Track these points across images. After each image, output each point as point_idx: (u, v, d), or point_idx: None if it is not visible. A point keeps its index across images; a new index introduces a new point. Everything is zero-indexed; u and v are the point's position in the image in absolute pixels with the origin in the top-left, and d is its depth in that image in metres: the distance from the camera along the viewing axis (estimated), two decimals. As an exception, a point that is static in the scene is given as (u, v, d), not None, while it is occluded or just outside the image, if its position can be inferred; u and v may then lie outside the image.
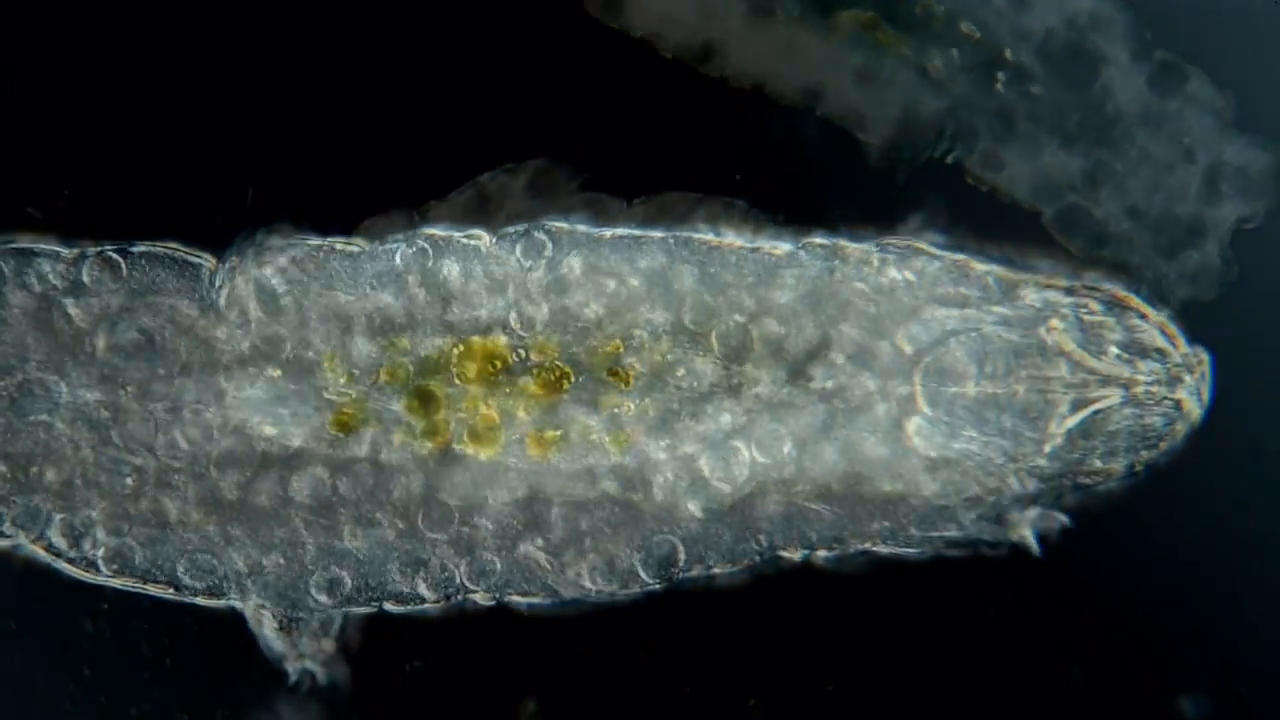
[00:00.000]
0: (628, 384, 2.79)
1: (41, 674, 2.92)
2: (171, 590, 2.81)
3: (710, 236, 2.83)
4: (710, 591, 2.86)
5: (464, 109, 2.91)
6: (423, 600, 2.81)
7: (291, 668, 2.83)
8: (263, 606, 2.80)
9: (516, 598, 2.82)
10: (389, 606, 2.82)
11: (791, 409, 2.80)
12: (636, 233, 2.82)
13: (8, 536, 2.80)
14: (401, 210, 2.83)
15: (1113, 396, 2.78)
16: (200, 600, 2.81)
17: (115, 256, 2.82)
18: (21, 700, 2.91)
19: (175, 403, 2.78)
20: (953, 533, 2.81)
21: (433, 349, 2.78)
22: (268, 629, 2.81)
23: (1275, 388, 2.92)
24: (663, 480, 2.79)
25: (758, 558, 2.82)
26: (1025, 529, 2.82)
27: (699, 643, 2.91)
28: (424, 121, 2.91)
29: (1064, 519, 2.82)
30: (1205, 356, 2.80)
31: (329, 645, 2.83)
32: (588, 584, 2.81)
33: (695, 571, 2.83)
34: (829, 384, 2.79)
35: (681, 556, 2.81)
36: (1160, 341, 2.80)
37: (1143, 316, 2.81)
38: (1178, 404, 2.80)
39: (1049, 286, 2.82)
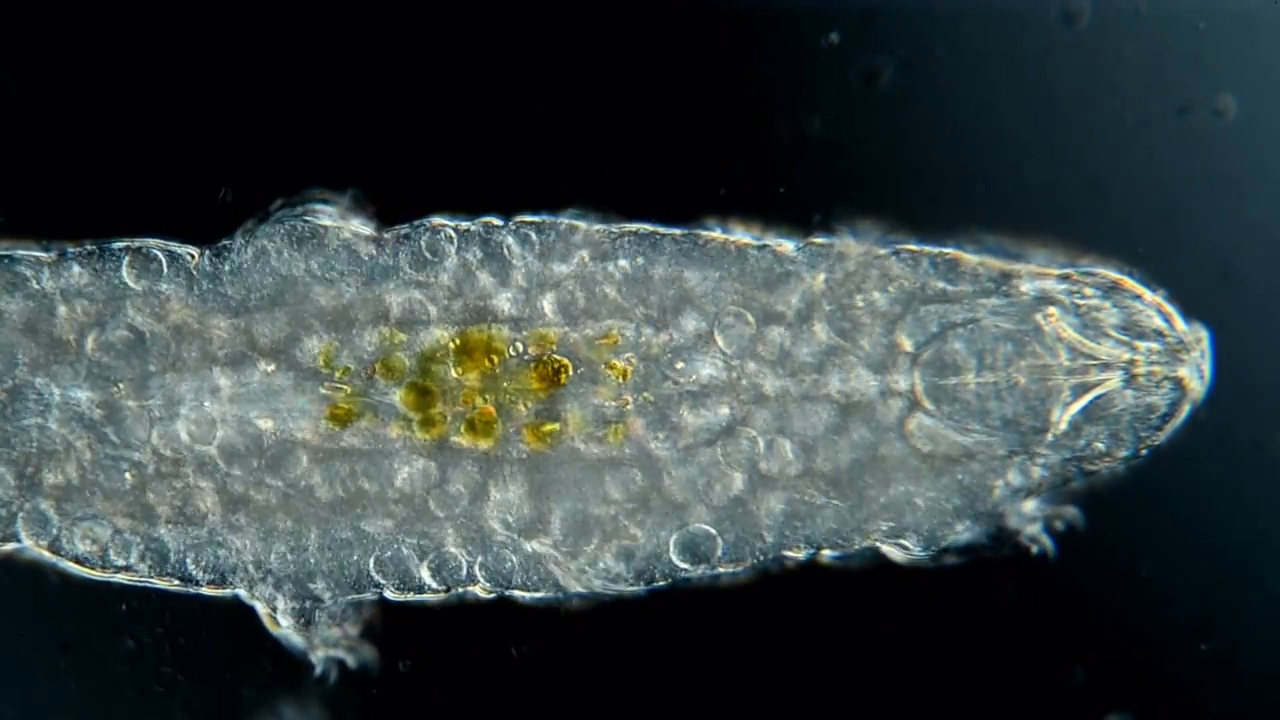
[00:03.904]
0: (625, 378, 2.79)
1: (42, 675, 2.92)
2: (178, 582, 2.81)
3: (718, 234, 2.83)
4: (713, 591, 2.85)
5: (462, 105, 2.91)
6: (427, 590, 2.81)
7: (315, 659, 2.83)
8: (274, 601, 2.80)
9: (519, 592, 2.81)
10: (390, 595, 2.82)
11: (792, 405, 2.79)
12: (642, 228, 2.83)
13: (17, 540, 2.80)
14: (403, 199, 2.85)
15: (1113, 380, 2.78)
16: (206, 590, 2.81)
17: (96, 255, 2.82)
18: (23, 701, 2.91)
19: (170, 398, 2.78)
20: (956, 537, 2.80)
21: (430, 341, 2.78)
22: (283, 623, 2.80)
23: (1273, 381, 2.92)
24: (662, 476, 2.79)
25: (761, 557, 2.82)
26: (1033, 526, 2.81)
27: (699, 643, 2.90)
28: (421, 114, 2.91)
29: (1072, 512, 2.82)
30: (1204, 334, 2.80)
31: (352, 630, 2.83)
32: (593, 581, 2.80)
33: (699, 571, 2.82)
34: (830, 381, 2.79)
35: (684, 558, 2.81)
36: (1158, 321, 2.80)
37: (1138, 298, 2.81)
38: (1179, 382, 2.79)
39: (1043, 275, 2.82)
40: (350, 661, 2.84)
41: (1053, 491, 2.82)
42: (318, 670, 2.83)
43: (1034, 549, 2.82)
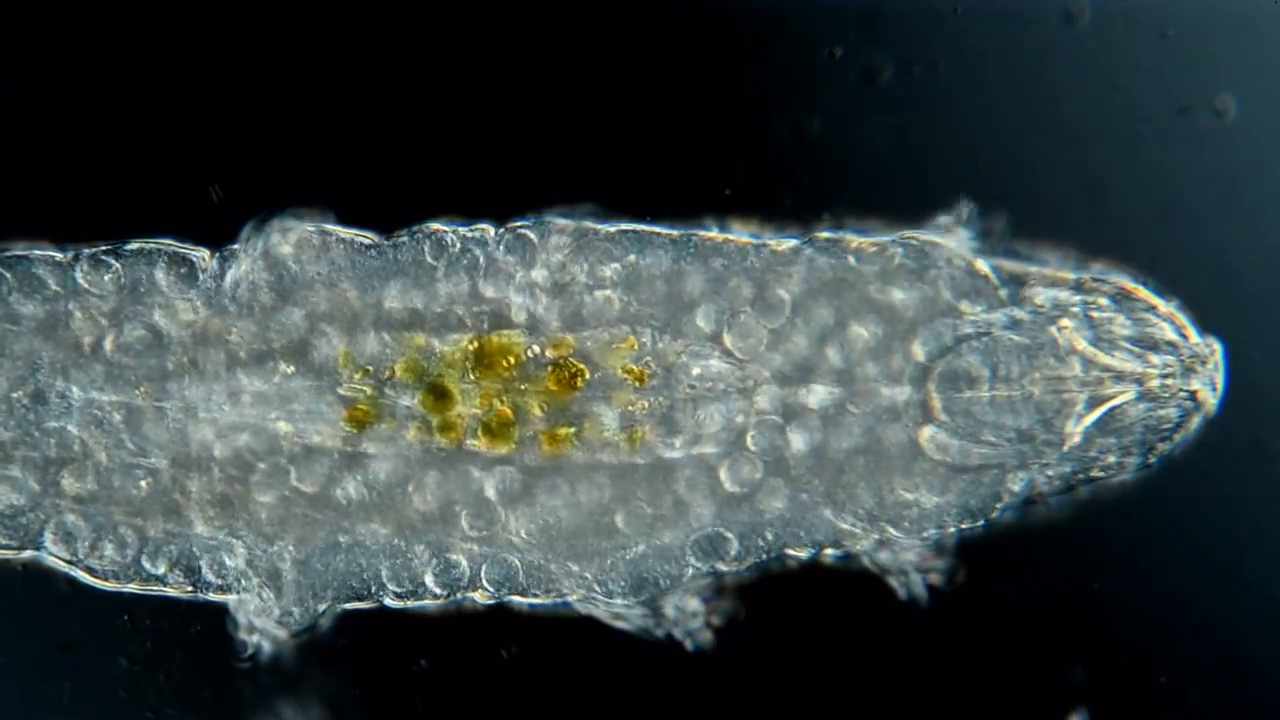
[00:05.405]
0: (642, 382, 2.78)
1: (43, 676, 2.90)
2: (190, 589, 2.79)
3: (718, 234, 2.83)
4: (716, 591, 2.86)
5: (462, 106, 2.90)
6: (428, 596, 2.81)
7: (246, 639, 2.82)
8: (244, 584, 2.79)
9: (517, 598, 2.81)
10: (389, 602, 2.81)
11: (803, 412, 2.79)
12: (649, 229, 2.82)
13: (43, 548, 2.78)
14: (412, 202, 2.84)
15: (1128, 392, 2.78)
16: (214, 596, 2.80)
17: (111, 256, 2.80)
18: (23, 702, 2.89)
19: (188, 402, 2.77)
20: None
21: (448, 345, 2.78)
22: (246, 605, 2.80)
23: (1274, 382, 2.93)
24: (674, 478, 2.79)
25: (764, 556, 2.82)
26: (911, 575, 2.83)
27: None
28: (422, 115, 2.90)
29: (948, 564, 2.84)
30: (1218, 346, 2.81)
31: (282, 633, 2.82)
32: (595, 585, 2.80)
33: (702, 570, 2.83)
34: (838, 387, 2.80)
35: (695, 558, 2.81)
36: (1171, 333, 2.80)
37: (1152, 309, 2.81)
38: (1193, 395, 2.80)
39: (1057, 282, 2.82)
40: (267, 649, 2.83)
41: (935, 543, 2.84)
42: (247, 650, 2.83)
43: (902, 594, 2.84)
